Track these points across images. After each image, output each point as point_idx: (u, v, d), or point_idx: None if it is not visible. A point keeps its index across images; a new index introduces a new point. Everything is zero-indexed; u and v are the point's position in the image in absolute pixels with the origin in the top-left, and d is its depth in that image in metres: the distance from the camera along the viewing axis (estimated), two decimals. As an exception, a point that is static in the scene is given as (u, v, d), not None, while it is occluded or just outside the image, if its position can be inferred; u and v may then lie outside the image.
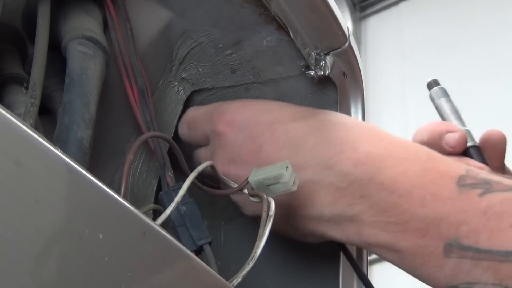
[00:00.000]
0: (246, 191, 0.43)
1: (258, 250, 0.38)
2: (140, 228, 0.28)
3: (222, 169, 0.48)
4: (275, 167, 0.42)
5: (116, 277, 0.26)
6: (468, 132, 0.55)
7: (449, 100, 0.57)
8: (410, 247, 0.41)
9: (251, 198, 0.43)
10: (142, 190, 0.52)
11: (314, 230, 0.46)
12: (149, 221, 0.28)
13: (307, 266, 0.54)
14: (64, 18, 0.43)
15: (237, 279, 0.37)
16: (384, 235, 0.42)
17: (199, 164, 0.45)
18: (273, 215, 0.40)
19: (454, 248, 0.40)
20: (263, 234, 0.39)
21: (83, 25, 0.43)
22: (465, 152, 0.52)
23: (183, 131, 0.53)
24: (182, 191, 0.39)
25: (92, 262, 0.25)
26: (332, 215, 0.44)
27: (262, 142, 0.47)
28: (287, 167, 0.42)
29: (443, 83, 0.66)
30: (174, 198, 0.45)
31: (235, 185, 0.44)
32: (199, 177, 0.42)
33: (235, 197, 0.51)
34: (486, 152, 0.55)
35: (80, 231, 0.25)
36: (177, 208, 0.47)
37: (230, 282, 0.36)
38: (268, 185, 0.42)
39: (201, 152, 0.52)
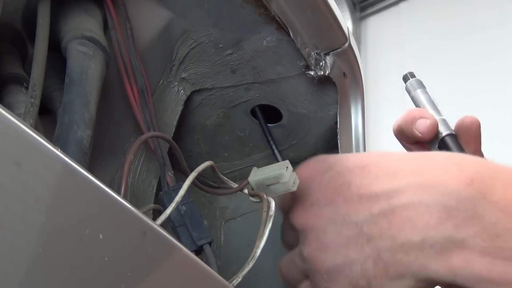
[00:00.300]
0: (246, 191, 0.43)
1: (258, 250, 0.38)
2: (140, 228, 0.28)
3: (304, 216, 0.43)
4: (275, 167, 0.42)
5: (116, 277, 0.26)
6: (444, 121, 0.55)
7: (425, 91, 0.57)
8: None
9: (251, 198, 0.43)
10: (142, 190, 0.52)
11: (411, 265, 0.39)
12: (149, 221, 0.28)
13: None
14: (64, 18, 0.43)
15: (237, 279, 0.37)
16: (498, 263, 0.37)
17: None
18: (273, 215, 0.40)
19: None
20: (263, 234, 0.39)
21: (83, 25, 0.43)
22: (441, 141, 0.52)
23: (280, 275, 0.47)
24: (182, 191, 0.39)
25: (92, 262, 0.25)
26: (438, 240, 0.38)
27: (351, 178, 0.42)
28: (287, 167, 0.42)
29: (442, 83, 0.65)
30: (174, 198, 0.45)
31: (235, 185, 0.44)
32: (199, 177, 0.42)
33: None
34: (461, 138, 0.54)
35: (80, 231, 0.25)
36: (177, 208, 0.47)
37: (230, 282, 0.36)
38: (268, 185, 0.42)
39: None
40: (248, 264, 0.37)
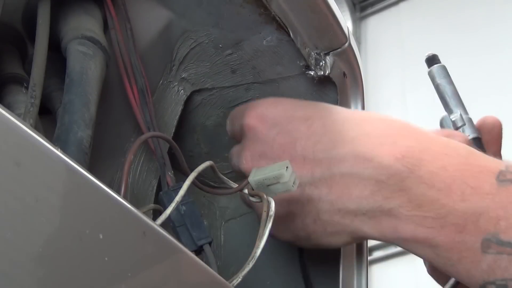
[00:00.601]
0: (246, 191, 0.43)
1: (258, 250, 0.38)
2: (140, 228, 0.28)
3: (253, 163, 0.48)
4: (275, 167, 0.42)
5: (116, 277, 0.26)
6: (470, 121, 0.55)
7: (451, 82, 0.57)
8: (447, 243, 0.41)
9: (251, 198, 0.43)
10: (142, 190, 0.52)
11: (347, 226, 0.45)
12: (149, 221, 0.28)
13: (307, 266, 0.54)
14: (64, 18, 0.43)
15: (237, 279, 0.37)
16: (420, 230, 0.42)
17: (232, 161, 0.45)
18: (273, 215, 0.40)
19: (492, 243, 0.39)
20: (263, 234, 0.39)
21: (83, 25, 0.43)
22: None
23: (227, 127, 0.53)
24: (182, 191, 0.39)
25: (92, 262, 0.25)
26: (370, 208, 0.43)
27: (297, 136, 0.47)
28: (287, 167, 0.42)
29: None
30: (174, 198, 0.45)
31: (235, 185, 0.44)
32: (199, 177, 0.42)
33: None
34: (483, 138, 0.55)
35: (80, 231, 0.25)
36: (177, 208, 0.47)
37: (230, 282, 0.36)
38: (268, 185, 0.42)
39: (233, 149, 0.52)
40: (248, 264, 0.37)
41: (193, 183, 0.41)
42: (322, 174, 0.45)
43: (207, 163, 0.42)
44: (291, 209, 0.47)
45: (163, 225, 0.35)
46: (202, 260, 0.33)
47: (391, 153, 0.43)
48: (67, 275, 0.24)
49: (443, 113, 0.76)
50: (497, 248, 0.39)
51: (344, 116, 0.47)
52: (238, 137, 0.51)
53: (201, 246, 0.46)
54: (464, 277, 0.42)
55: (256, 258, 0.38)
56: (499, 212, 0.39)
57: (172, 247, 0.30)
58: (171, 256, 0.30)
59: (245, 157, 0.48)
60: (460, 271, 0.41)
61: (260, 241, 0.38)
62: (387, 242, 0.45)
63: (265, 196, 0.41)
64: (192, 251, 0.41)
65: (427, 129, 0.47)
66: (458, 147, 0.44)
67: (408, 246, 0.44)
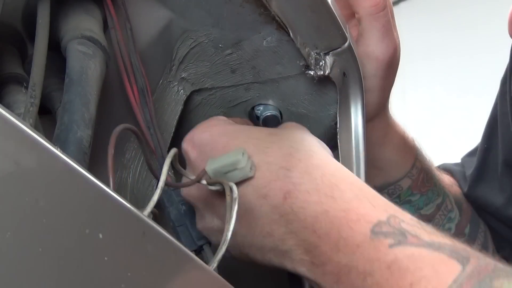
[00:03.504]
0: (204, 181, 0.43)
1: (229, 233, 0.38)
2: (140, 228, 0.28)
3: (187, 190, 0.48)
4: (231, 155, 0.42)
5: (116, 277, 0.26)
6: None
7: None
8: None
9: (211, 187, 0.43)
10: (142, 190, 0.52)
11: (263, 260, 0.45)
12: (149, 221, 0.28)
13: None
14: (64, 17, 0.43)
15: (213, 264, 0.36)
16: (310, 274, 0.41)
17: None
18: (237, 197, 0.40)
19: None
20: (231, 217, 0.39)
21: (83, 25, 0.43)
22: None
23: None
24: (163, 176, 0.39)
25: (92, 262, 0.25)
26: (272, 247, 0.43)
27: (201, 165, 0.45)
28: (243, 153, 0.42)
29: (442, 83, 0.66)
30: (174, 197, 0.45)
31: (193, 177, 0.44)
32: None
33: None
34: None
35: (80, 231, 0.25)
36: (177, 208, 0.47)
37: (210, 265, 0.36)
38: (225, 173, 0.42)
39: None
40: (221, 248, 0.38)
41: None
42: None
43: (174, 150, 0.41)
44: (192, 193, 0.47)
45: (163, 224, 0.35)
46: (202, 259, 0.33)
47: (281, 191, 0.42)
48: (67, 274, 0.24)
49: (443, 113, 0.75)
50: None
51: (255, 143, 0.45)
52: None
53: (201, 246, 0.46)
54: None
55: (227, 241, 0.38)
56: (366, 267, 0.38)
57: (171, 247, 0.30)
58: (170, 255, 0.30)
59: (183, 180, 0.48)
60: None
61: (229, 224, 0.39)
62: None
63: (225, 181, 0.41)
64: (192, 251, 0.41)
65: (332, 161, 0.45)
66: (347, 189, 0.42)
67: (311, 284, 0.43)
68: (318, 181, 0.42)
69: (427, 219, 0.69)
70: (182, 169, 0.44)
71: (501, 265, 0.36)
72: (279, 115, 0.55)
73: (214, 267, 0.36)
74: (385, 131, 0.65)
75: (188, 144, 0.48)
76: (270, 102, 0.55)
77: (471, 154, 0.82)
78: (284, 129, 0.50)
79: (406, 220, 0.40)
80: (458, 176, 0.79)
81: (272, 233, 0.42)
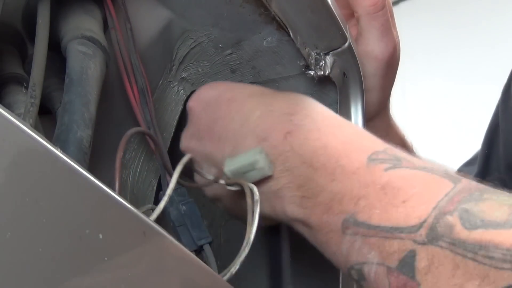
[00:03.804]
0: (222, 181, 0.43)
1: (251, 236, 0.38)
2: (140, 228, 0.28)
3: (185, 144, 0.49)
4: (249, 154, 0.42)
5: (116, 277, 0.26)
6: None
7: None
8: (317, 224, 0.40)
9: (230, 188, 0.43)
10: (142, 190, 0.52)
11: (249, 205, 0.44)
12: (149, 221, 0.28)
13: (307, 267, 0.54)
14: (64, 18, 0.43)
15: (235, 266, 0.36)
16: (299, 210, 0.41)
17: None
18: (259, 199, 0.40)
19: (350, 224, 0.37)
20: (253, 220, 0.39)
21: (83, 25, 0.43)
22: None
23: None
24: (172, 184, 0.39)
25: (92, 262, 0.25)
26: (263, 190, 0.43)
27: (218, 116, 0.47)
28: (260, 152, 0.42)
29: (442, 83, 0.66)
30: (174, 198, 0.45)
31: (211, 177, 0.44)
32: (189, 172, 0.42)
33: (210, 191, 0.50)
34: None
35: (80, 231, 0.25)
36: (177, 208, 0.47)
37: (228, 270, 0.36)
38: (244, 173, 0.42)
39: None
40: (244, 250, 0.37)
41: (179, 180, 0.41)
42: (230, 153, 0.45)
43: (188, 156, 0.41)
44: (217, 192, 0.48)
45: (163, 224, 0.35)
46: (202, 259, 0.33)
47: (282, 132, 0.43)
48: (67, 275, 0.24)
49: (443, 113, 0.76)
50: (354, 229, 0.37)
51: (259, 97, 0.47)
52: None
53: (201, 246, 0.46)
54: (334, 261, 0.40)
55: (250, 244, 0.38)
56: (361, 191, 0.38)
57: (172, 247, 0.30)
58: (171, 255, 0.30)
59: (183, 138, 0.49)
60: (329, 254, 0.40)
61: (251, 227, 0.39)
62: (281, 221, 0.45)
63: (246, 183, 0.41)
64: (192, 251, 0.41)
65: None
66: (347, 128, 0.44)
67: (294, 226, 0.43)
68: (320, 123, 0.43)
69: None
70: (200, 170, 0.44)
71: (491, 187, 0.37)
72: None
73: (236, 269, 0.36)
74: (385, 131, 0.65)
75: (195, 101, 0.49)
76: None
77: (469, 163, 0.82)
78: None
79: (401, 152, 0.41)
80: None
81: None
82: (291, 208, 0.42)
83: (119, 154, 0.35)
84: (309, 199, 0.40)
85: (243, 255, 0.37)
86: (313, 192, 0.40)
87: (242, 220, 0.48)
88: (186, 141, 0.49)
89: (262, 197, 0.43)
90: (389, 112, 0.65)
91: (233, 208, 0.48)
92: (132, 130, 0.43)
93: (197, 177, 0.49)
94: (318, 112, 0.45)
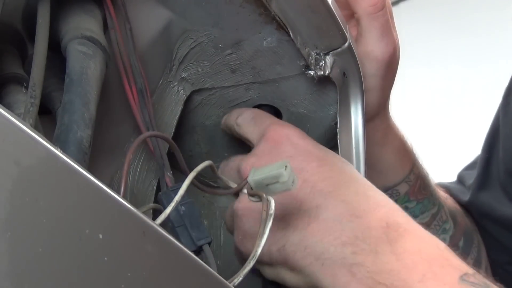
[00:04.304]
0: (245, 191, 0.43)
1: (259, 249, 0.38)
2: (140, 228, 0.28)
3: (247, 168, 0.48)
4: (274, 167, 0.42)
5: (116, 277, 0.26)
6: None
7: None
8: None
9: (251, 198, 0.43)
10: (142, 190, 0.52)
11: (304, 267, 0.45)
12: (149, 221, 0.28)
13: None
14: (64, 18, 0.43)
15: (238, 278, 0.36)
16: None
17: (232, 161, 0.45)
18: (273, 213, 0.40)
19: None
20: (263, 233, 0.39)
21: (83, 25, 0.43)
22: None
23: (245, 117, 0.53)
24: (181, 191, 0.39)
25: (92, 262, 0.25)
26: (333, 256, 0.44)
27: (306, 167, 0.47)
28: (286, 166, 0.42)
29: (442, 83, 0.66)
30: (173, 198, 0.45)
31: (234, 185, 0.44)
32: (199, 176, 0.42)
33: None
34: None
35: (80, 231, 0.25)
36: (176, 209, 0.47)
37: (231, 281, 0.36)
38: (267, 185, 0.42)
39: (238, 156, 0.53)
40: (249, 262, 0.37)
41: (192, 183, 0.41)
42: (309, 209, 0.45)
43: (206, 163, 0.42)
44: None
45: (163, 225, 0.35)
46: (201, 260, 0.33)
47: (379, 221, 0.44)
48: (67, 274, 0.24)
49: (443, 113, 0.76)
50: None
51: (351, 172, 0.49)
52: (247, 138, 0.52)
53: (201, 246, 0.46)
54: None
55: (257, 257, 0.38)
56: None
57: (172, 247, 0.30)
58: (170, 256, 0.30)
59: (248, 163, 0.49)
60: None
61: (260, 240, 0.38)
62: None
63: (264, 196, 0.41)
64: (191, 251, 0.41)
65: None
66: (438, 242, 0.45)
67: None
68: (416, 228, 0.45)
69: None
70: (224, 177, 0.45)
71: None
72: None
73: (239, 281, 0.36)
74: (385, 132, 0.65)
75: (284, 137, 0.49)
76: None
77: (469, 167, 0.82)
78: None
79: (488, 279, 0.43)
80: (454, 191, 0.79)
81: (348, 244, 0.43)
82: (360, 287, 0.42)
83: (128, 157, 0.35)
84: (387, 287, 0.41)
85: (247, 267, 0.37)
86: (394, 285, 0.41)
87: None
88: (247, 167, 0.49)
89: (327, 262, 0.43)
90: (389, 113, 0.65)
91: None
92: (146, 134, 0.43)
93: (242, 199, 0.49)
94: (412, 219, 0.46)
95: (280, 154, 0.48)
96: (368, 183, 0.48)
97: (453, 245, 0.72)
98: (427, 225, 0.70)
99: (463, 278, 0.41)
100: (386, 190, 0.68)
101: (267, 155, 0.49)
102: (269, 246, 0.46)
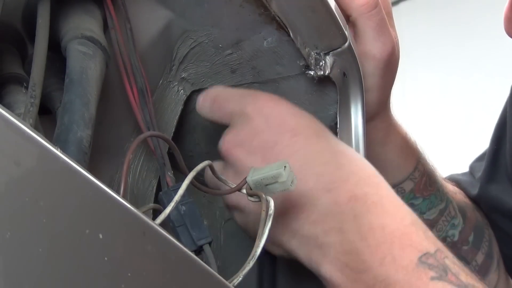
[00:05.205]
0: (244, 191, 0.43)
1: (258, 250, 0.38)
2: (140, 228, 0.28)
3: (227, 146, 0.49)
4: (273, 167, 0.42)
5: (116, 277, 0.26)
6: None
7: None
8: None
9: (250, 198, 0.43)
10: (142, 190, 0.52)
11: (284, 243, 0.46)
12: (149, 221, 0.28)
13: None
14: (64, 18, 0.43)
15: (238, 279, 0.37)
16: (338, 276, 0.43)
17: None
18: (273, 214, 0.40)
19: None
20: (263, 233, 0.39)
21: (83, 25, 0.43)
22: None
23: (205, 104, 0.53)
24: (181, 191, 0.39)
25: (92, 262, 0.25)
26: (307, 234, 0.45)
27: (279, 140, 0.47)
28: (285, 167, 0.42)
29: (442, 83, 0.66)
30: (173, 198, 0.45)
31: (233, 185, 0.44)
32: (199, 177, 0.42)
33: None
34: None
35: (80, 231, 0.25)
36: (176, 208, 0.47)
37: (230, 282, 0.36)
38: (266, 185, 0.42)
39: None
40: (249, 263, 0.37)
41: (192, 183, 0.41)
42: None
43: (206, 163, 0.42)
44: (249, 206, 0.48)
45: (163, 225, 0.35)
46: (202, 260, 0.33)
47: (348, 192, 0.44)
48: (67, 275, 0.24)
49: (443, 113, 0.76)
50: None
51: (326, 141, 0.48)
52: (221, 120, 0.52)
53: (201, 246, 0.46)
54: None
55: (256, 258, 0.38)
56: None
57: (172, 247, 0.30)
58: (171, 256, 0.30)
59: (227, 140, 0.49)
60: None
61: (260, 240, 0.38)
62: (304, 265, 0.46)
63: (263, 196, 0.41)
64: (191, 251, 0.41)
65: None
66: (407, 214, 0.45)
67: (324, 282, 0.45)
68: (384, 199, 0.45)
69: (430, 224, 0.70)
70: (223, 177, 0.45)
71: None
72: None
73: (239, 281, 0.36)
74: (386, 131, 0.65)
75: (253, 108, 0.49)
76: None
77: (479, 159, 0.82)
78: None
79: (450, 257, 0.43)
80: (464, 184, 0.79)
81: (318, 222, 0.44)
82: (330, 268, 0.43)
83: (128, 157, 0.35)
84: (352, 271, 0.42)
85: (247, 268, 0.37)
86: (358, 267, 0.42)
87: (251, 237, 0.48)
88: (231, 146, 0.49)
89: (303, 240, 0.44)
90: (390, 112, 0.65)
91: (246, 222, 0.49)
92: (146, 134, 0.43)
93: (212, 183, 0.49)
94: (383, 186, 0.46)
95: (254, 128, 0.48)
96: (342, 149, 0.48)
97: (463, 240, 0.73)
98: (435, 221, 0.71)
99: (421, 260, 0.41)
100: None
101: (242, 131, 0.49)
102: (253, 222, 0.47)
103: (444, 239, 0.71)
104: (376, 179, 0.46)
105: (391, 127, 0.66)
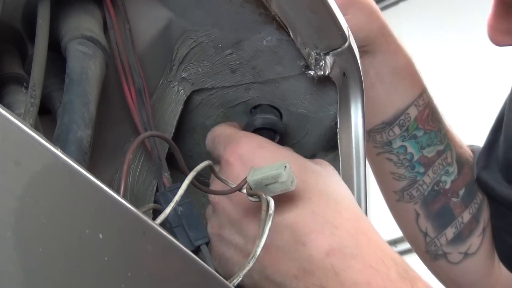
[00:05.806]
0: (244, 191, 0.43)
1: (258, 249, 0.38)
2: (140, 228, 0.28)
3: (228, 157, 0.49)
4: (273, 167, 0.42)
5: (116, 276, 0.26)
6: None
7: None
8: None
9: (250, 198, 0.43)
10: (142, 190, 0.52)
11: None
12: (149, 221, 0.29)
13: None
14: (64, 18, 0.43)
15: (238, 279, 0.37)
16: None
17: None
18: (273, 213, 0.40)
19: None
20: (263, 233, 0.39)
21: (83, 25, 0.43)
22: None
23: (207, 141, 0.54)
24: (181, 191, 0.39)
25: (92, 262, 0.25)
26: (291, 287, 0.44)
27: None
28: (285, 167, 0.42)
29: (442, 83, 0.68)
30: (170, 199, 0.45)
31: (233, 185, 0.44)
32: (199, 176, 0.42)
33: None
34: None
35: (80, 231, 0.25)
36: (174, 209, 0.47)
37: (230, 282, 0.36)
38: (267, 185, 0.42)
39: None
40: (249, 263, 0.37)
41: (191, 183, 0.41)
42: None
43: (206, 163, 0.42)
44: (233, 256, 0.47)
45: (162, 225, 0.35)
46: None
47: (324, 246, 0.43)
48: (67, 274, 0.24)
49: (443, 112, 0.76)
50: None
51: (303, 183, 0.46)
52: (217, 159, 0.52)
53: (198, 247, 0.46)
54: None
55: (256, 257, 0.38)
56: None
57: (171, 247, 0.30)
58: (171, 256, 0.30)
59: (213, 185, 0.50)
60: None
61: (260, 240, 0.38)
62: None
63: (263, 196, 0.41)
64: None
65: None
66: (392, 265, 0.43)
67: None
68: (365, 249, 0.43)
69: (428, 163, 0.72)
70: (223, 177, 0.45)
71: None
72: (276, 124, 0.54)
73: (238, 281, 0.36)
74: (394, 51, 0.69)
75: (236, 158, 0.48)
76: (267, 115, 0.55)
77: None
78: (321, 173, 0.49)
79: None
80: (475, 154, 0.80)
81: (297, 278, 0.43)
82: None
83: (128, 157, 0.35)
84: None
85: (247, 268, 0.37)
86: None
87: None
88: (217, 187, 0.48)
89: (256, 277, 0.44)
90: (392, 37, 0.69)
91: (231, 221, 0.48)
92: (146, 134, 0.43)
93: (215, 184, 0.49)
94: (361, 231, 0.45)
95: (232, 173, 0.47)
96: (317, 193, 0.46)
97: (453, 191, 0.74)
98: (432, 161, 0.72)
99: None
100: (400, 115, 0.71)
101: (225, 175, 0.48)
102: (239, 265, 0.45)
103: (437, 183, 0.73)
104: (354, 221, 0.45)
105: (398, 48, 0.69)
